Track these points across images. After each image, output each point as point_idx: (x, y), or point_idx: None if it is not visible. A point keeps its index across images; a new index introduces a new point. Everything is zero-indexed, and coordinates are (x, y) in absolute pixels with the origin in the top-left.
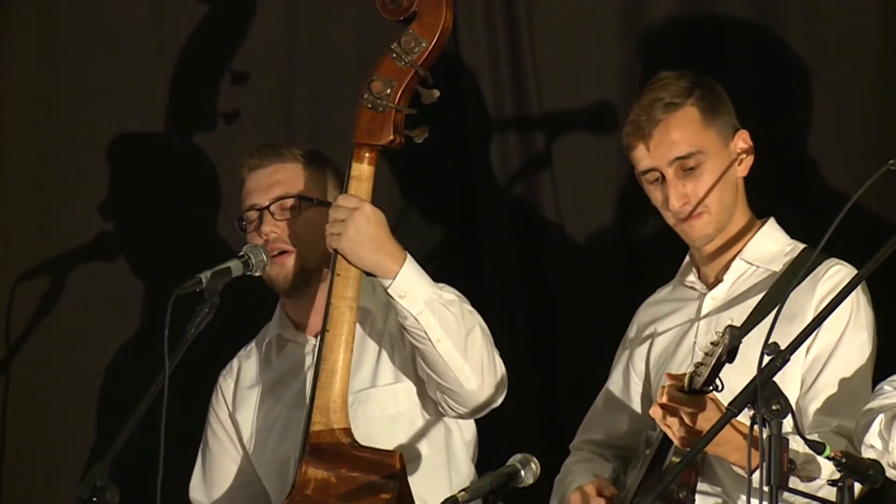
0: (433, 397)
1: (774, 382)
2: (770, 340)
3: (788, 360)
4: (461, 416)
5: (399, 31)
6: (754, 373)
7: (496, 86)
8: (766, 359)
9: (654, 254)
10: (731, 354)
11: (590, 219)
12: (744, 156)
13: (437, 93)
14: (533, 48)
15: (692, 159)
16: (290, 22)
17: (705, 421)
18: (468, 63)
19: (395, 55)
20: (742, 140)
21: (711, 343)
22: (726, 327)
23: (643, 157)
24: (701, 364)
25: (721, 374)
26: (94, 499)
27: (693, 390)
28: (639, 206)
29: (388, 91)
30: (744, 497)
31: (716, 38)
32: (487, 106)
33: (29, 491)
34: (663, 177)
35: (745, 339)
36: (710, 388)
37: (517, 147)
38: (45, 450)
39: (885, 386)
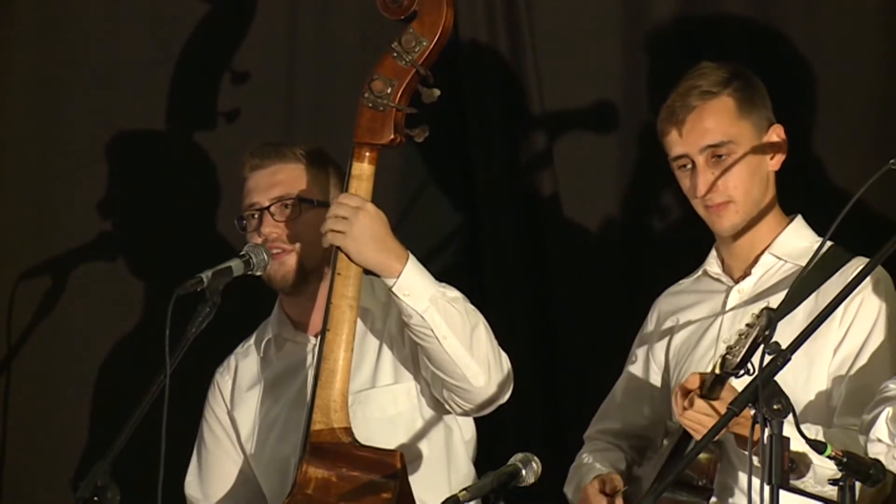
0: (439, 397)
1: (776, 382)
2: (784, 336)
3: (790, 359)
4: (468, 414)
5: (399, 30)
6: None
7: (497, 84)
8: (768, 358)
9: (655, 251)
10: (767, 338)
11: (591, 217)
12: (776, 151)
13: (437, 92)
14: (534, 46)
15: (724, 148)
16: (290, 21)
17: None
18: (469, 61)
19: (395, 54)
20: (776, 134)
21: (746, 325)
22: (763, 309)
23: (675, 143)
24: (734, 346)
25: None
26: (96, 498)
27: (726, 373)
28: (640, 203)
29: (389, 90)
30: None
31: (717, 36)
32: (488, 104)
33: (29, 491)
34: (694, 164)
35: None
36: (742, 371)
37: (518, 146)
38: (45, 450)
39: (891, 384)
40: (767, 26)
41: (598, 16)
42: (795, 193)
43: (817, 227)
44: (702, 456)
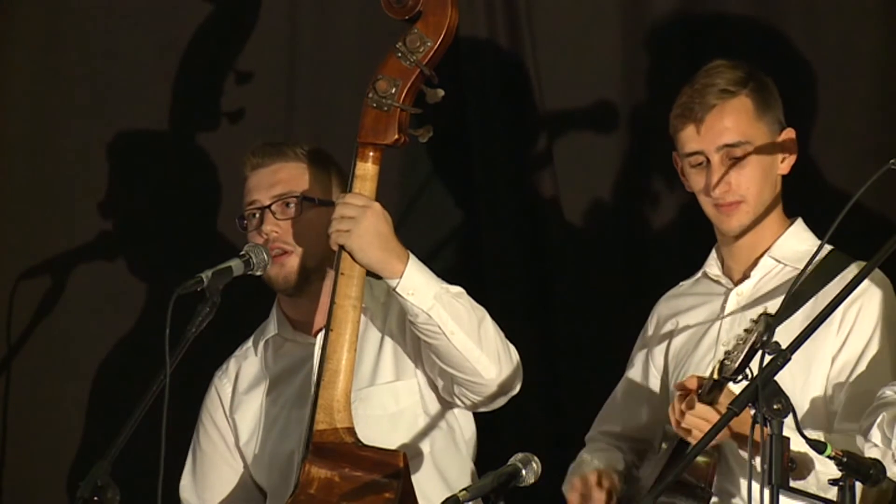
0: (447, 395)
1: (776, 382)
2: (782, 340)
3: (790, 359)
4: (477, 407)
5: (403, 30)
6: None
7: (497, 84)
8: (768, 358)
9: (654, 250)
10: (765, 342)
11: (590, 216)
12: (787, 154)
13: (441, 92)
14: (534, 46)
15: (740, 148)
16: (292, 21)
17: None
18: (469, 61)
19: (400, 54)
20: (788, 137)
21: (745, 330)
22: (760, 315)
23: (691, 139)
24: (732, 352)
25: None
26: (96, 498)
27: (724, 378)
28: (639, 202)
29: (394, 90)
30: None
31: (717, 36)
32: (489, 104)
33: (29, 491)
34: (708, 161)
35: None
36: (740, 377)
37: (518, 145)
38: (45, 450)
39: (887, 390)
40: (767, 26)
41: (598, 15)
42: (794, 194)
43: (816, 228)
44: (700, 460)
